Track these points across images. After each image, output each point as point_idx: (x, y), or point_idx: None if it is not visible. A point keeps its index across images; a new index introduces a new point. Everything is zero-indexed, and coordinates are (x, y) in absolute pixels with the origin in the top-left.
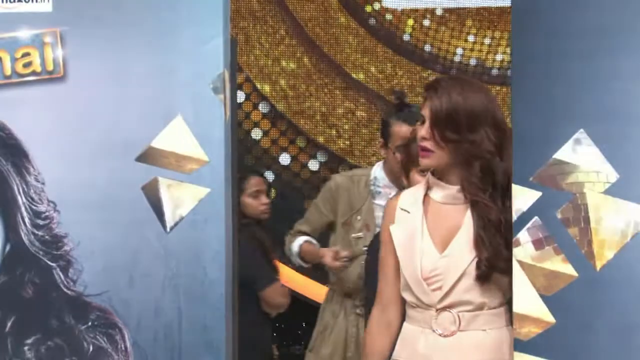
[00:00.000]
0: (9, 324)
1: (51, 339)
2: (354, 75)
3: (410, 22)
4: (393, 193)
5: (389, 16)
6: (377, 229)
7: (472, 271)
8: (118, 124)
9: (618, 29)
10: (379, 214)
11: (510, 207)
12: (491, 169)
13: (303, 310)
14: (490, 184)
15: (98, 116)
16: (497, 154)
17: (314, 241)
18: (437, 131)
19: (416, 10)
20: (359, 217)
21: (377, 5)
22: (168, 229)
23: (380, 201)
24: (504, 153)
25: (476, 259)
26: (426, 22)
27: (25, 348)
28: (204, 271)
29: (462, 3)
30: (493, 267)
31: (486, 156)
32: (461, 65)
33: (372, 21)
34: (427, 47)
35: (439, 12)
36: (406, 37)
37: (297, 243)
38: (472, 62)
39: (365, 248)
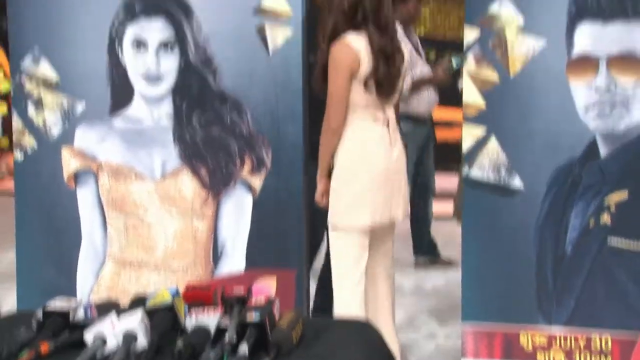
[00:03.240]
0: (184, 106)
1: (207, 114)
2: None
3: None
4: None
5: None
6: None
7: None
8: None
9: None
10: None
11: None
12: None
13: None
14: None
15: None
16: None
17: None
18: None
19: None
20: None
21: None
22: (270, 53)
23: None
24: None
25: None
26: None
27: (193, 119)
28: (290, 77)
29: None
30: None
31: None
32: None
33: None
34: None
35: None
36: None
37: None
38: None
39: None
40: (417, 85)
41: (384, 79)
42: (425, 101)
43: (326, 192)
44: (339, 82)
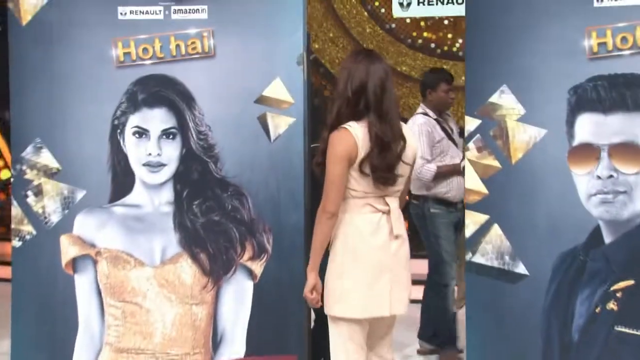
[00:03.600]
0: (185, 193)
1: (208, 201)
2: None
3: None
4: None
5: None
6: None
7: None
8: (245, 81)
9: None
10: None
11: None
12: None
13: None
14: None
15: (234, 77)
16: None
17: None
18: None
19: None
20: None
21: None
22: (272, 140)
23: None
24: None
25: None
26: None
27: (194, 206)
28: (292, 163)
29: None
30: None
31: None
32: None
33: None
34: None
35: None
36: None
37: None
38: None
39: None
40: (444, 172)
41: (379, 165)
42: (455, 187)
43: (316, 287)
44: (337, 169)
